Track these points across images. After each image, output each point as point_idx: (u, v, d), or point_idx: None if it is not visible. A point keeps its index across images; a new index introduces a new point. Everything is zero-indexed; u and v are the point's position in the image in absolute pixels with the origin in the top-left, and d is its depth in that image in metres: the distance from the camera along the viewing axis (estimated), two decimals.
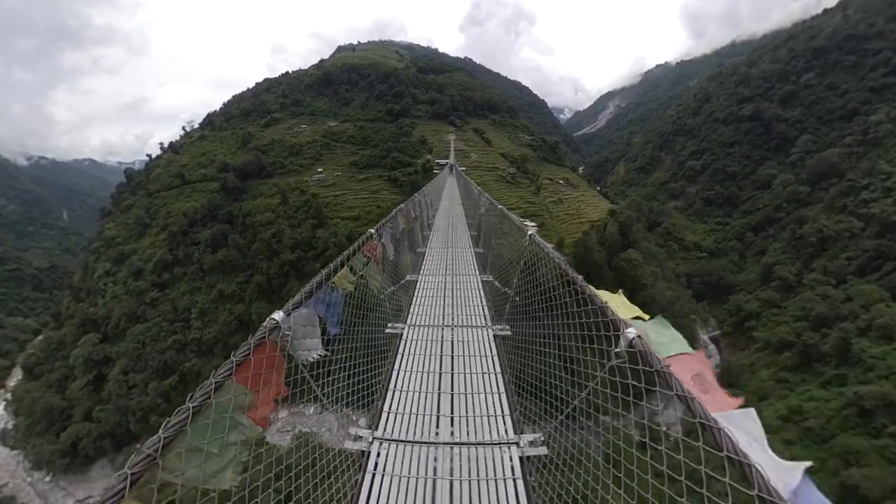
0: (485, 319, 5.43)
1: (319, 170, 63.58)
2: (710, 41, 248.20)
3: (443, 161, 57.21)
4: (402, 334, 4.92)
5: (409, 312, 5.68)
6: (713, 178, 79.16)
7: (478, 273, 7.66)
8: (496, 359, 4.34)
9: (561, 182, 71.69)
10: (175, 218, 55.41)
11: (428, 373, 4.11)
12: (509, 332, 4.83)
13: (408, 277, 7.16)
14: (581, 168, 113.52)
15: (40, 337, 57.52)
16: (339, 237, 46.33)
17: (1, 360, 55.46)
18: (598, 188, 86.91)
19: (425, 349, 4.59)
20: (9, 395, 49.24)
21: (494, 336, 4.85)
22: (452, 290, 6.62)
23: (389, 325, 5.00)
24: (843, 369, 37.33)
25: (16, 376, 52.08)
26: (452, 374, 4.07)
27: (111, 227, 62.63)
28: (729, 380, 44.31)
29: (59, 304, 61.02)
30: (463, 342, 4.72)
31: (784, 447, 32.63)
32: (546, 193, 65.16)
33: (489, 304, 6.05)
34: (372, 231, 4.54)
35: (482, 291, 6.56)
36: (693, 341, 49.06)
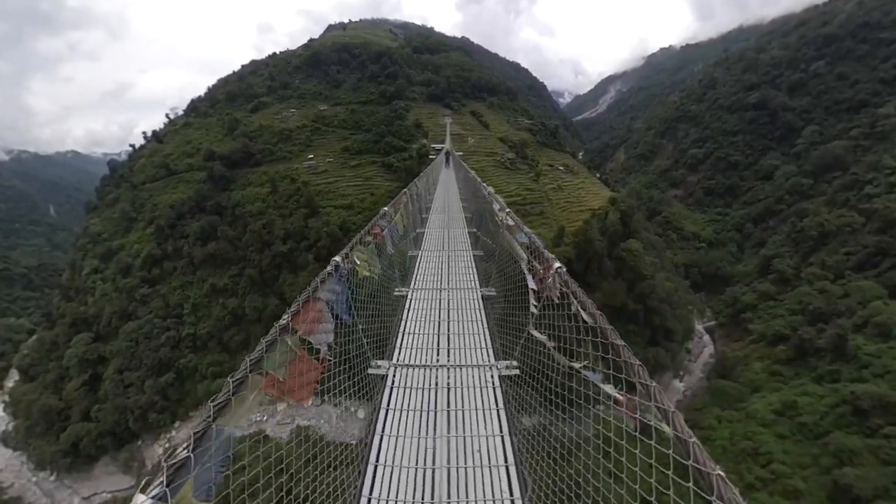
0: (488, 354, 4.50)
1: (310, 156, 61.23)
2: (717, 24, 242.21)
3: (438, 146, 54.59)
4: (386, 377, 4.03)
5: (395, 345, 4.71)
6: (715, 167, 77.96)
7: (477, 286, 6.47)
8: (502, 413, 3.50)
9: (561, 168, 69.98)
10: (162, 211, 53.55)
11: (416, 438, 3.28)
12: (517, 371, 3.97)
13: (395, 293, 6.09)
14: (581, 154, 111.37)
15: (34, 337, 56.38)
16: (332, 227, 44.96)
17: None
18: (598, 175, 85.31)
19: (414, 401, 3.69)
20: (6, 397, 48.69)
21: (501, 377, 4.00)
22: (448, 314, 5.54)
23: (372, 362, 4.13)
24: (837, 365, 37.39)
25: (13, 377, 51.45)
26: (448, 437, 3.24)
27: (96, 222, 60.47)
28: (722, 371, 44.60)
29: (49, 303, 59.47)
30: (462, 388, 3.87)
31: (777, 441, 32.99)
32: (546, 180, 63.59)
33: (494, 333, 5.04)
34: (330, 270, 3.25)
35: (485, 322, 5.42)
36: (689, 332, 49.32)
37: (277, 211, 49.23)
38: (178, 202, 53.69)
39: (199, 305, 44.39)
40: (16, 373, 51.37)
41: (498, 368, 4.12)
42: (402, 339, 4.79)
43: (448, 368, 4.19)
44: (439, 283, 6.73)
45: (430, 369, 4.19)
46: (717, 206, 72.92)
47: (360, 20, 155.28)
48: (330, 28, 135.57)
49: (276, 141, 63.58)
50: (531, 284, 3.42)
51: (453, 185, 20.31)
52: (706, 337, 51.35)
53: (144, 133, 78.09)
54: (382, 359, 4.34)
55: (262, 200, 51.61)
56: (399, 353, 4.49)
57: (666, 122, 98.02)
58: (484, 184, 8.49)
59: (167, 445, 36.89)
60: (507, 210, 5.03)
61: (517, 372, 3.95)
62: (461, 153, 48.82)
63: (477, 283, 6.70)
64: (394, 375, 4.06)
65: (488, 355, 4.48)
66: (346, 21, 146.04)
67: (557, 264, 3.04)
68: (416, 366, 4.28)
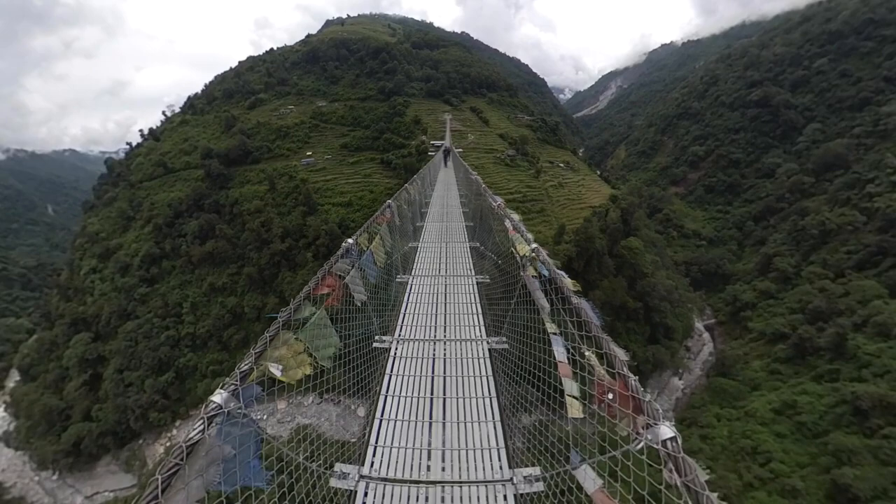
0: (499, 462, 3.01)
1: (308, 153, 60.75)
2: (719, 20, 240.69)
3: (438, 142, 53.81)
4: (354, 493, 2.82)
5: (369, 438, 3.29)
6: (716, 164, 77.62)
7: (484, 336, 4.82)
8: None
9: (561, 165, 69.60)
10: (160, 209, 53.17)
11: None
12: (542, 487, 2.72)
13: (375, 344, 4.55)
14: (581, 151, 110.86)
15: (34, 337, 56.22)
16: (331, 224, 44.61)
17: None
18: (599, 172, 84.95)
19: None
20: (7, 398, 48.61)
21: (518, 496, 2.75)
22: (444, 381, 3.96)
23: (336, 468, 2.89)
24: (836, 364, 37.32)
25: (13, 378, 51.35)
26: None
27: (94, 221, 59.98)
28: (722, 369, 44.61)
29: (48, 303, 59.06)
30: None
31: (776, 440, 33.02)
32: (546, 177, 63.14)
33: (504, 422, 3.51)
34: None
35: (495, 413, 3.57)
36: (689, 330, 49.28)
37: (276, 209, 48.89)
38: (176, 201, 53.30)
39: (198, 304, 44.22)
40: (16, 373, 51.33)
41: (515, 485, 2.81)
42: (380, 427, 3.45)
43: (443, 487, 2.88)
44: (434, 332, 5.04)
45: (416, 489, 2.89)
46: (718, 203, 72.68)
47: (359, 15, 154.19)
48: (328, 23, 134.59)
49: (274, 138, 63.07)
50: (565, 380, 2.24)
51: (453, 186, 18.97)
52: (706, 335, 51.33)
53: (142, 131, 77.53)
54: (349, 464, 3.05)
55: (259, 198, 51.22)
56: (370, 464, 3.15)
57: (667, 119, 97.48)
58: (490, 191, 6.94)
59: (168, 444, 36.93)
60: (535, 245, 3.34)
61: (542, 489, 2.72)
62: (460, 150, 48.38)
63: (484, 332, 4.96)
64: (363, 493, 2.84)
65: (500, 461, 3.04)
66: (344, 16, 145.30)
67: (670, 436, 1.38)
68: (394, 482, 2.95)
